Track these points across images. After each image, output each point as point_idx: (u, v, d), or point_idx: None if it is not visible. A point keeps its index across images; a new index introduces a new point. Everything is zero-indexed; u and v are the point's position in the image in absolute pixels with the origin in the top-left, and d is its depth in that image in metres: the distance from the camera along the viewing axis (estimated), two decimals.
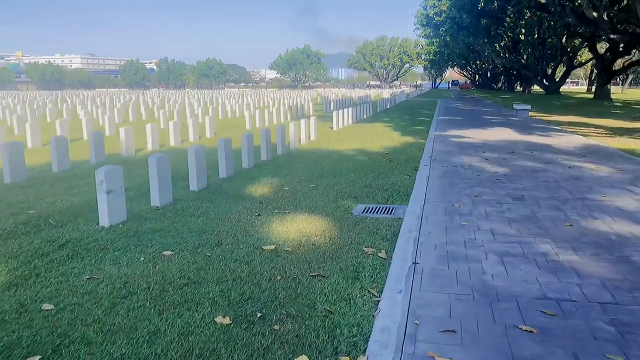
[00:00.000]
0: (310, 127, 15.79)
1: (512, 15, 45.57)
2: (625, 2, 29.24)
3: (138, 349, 3.16)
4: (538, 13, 38.77)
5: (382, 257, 4.83)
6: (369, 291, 4.04)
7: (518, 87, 76.67)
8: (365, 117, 25.72)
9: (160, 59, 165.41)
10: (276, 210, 6.64)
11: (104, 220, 5.90)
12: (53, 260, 4.75)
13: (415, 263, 4.63)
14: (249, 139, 10.41)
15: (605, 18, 27.35)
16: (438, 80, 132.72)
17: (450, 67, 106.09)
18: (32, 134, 14.44)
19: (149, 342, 3.25)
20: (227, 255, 4.90)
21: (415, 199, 7.26)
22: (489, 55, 59.71)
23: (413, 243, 5.22)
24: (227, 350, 3.15)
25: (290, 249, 5.06)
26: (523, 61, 54.39)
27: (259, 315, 3.62)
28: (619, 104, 36.18)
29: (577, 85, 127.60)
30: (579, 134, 15.95)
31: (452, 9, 43.96)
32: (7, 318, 3.57)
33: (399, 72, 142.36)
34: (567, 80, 68.12)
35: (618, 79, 78.71)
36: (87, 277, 4.33)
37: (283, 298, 3.91)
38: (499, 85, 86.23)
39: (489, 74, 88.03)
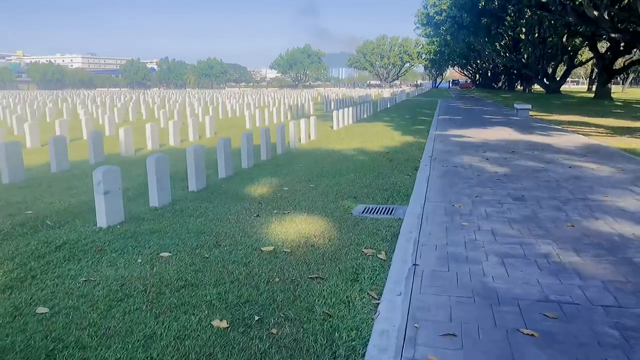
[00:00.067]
0: (311, 126, 15.74)
1: (512, 14, 45.45)
2: (625, 1, 29.16)
3: (133, 354, 3.11)
4: (538, 12, 38.68)
5: (381, 259, 4.77)
6: (368, 293, 3.99)
7: (518, 87, 76.58)
8: (365, 116, 25.66)
9: (161, 58, 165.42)
10: (275, 211, 6.59)
11: (102, 221, 5.85)
12: (49, 262, 4.70)
13: (415, 265, 4.58)
14: (248, 139, 10.36)
15: (606, 17, 27.26)
16: (438, 80, 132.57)
17: (451, 66, 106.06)
18: (31, 134, 14.40)
19: (144, 346, 3.20)
20: (225, 256, 4.85)
21: (416, 199, 7.20)
22: (490, 54, 59.61)
23: (413, 244, 5.16)
24: (224, 355, 3.10)
25: (289, 250, 5.01)
26: (523, 60, 54.30)
27: (256, 318, 3.57)
28: (619, 103, 36.10)
29: (577, 85, 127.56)
30: (579, 134, 15.89)
31: (453, 8, 43.91)
32: (1, 322, 3.52)
33: (399, 71, 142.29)
34: (568, 79, 68.05)
35: (619, 78, 78.60)
36: (83, 279, 4.28)
37: (281, 301, 3.86)
38: (500, 84, 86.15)
39: (489, 73, 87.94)
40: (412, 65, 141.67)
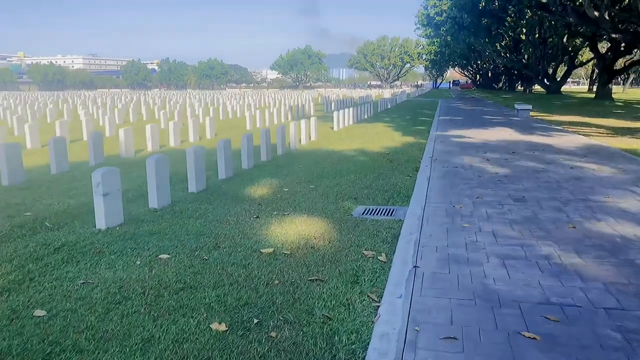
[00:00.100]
0: (311, 127, 15.71)
1: (513, 15, 45.43)
2: (626, 1, 29.12)
3: (131, 358, 3.08)
4: (539, 12, 38.64)
5: (382, 261, 4.74)
6: (368, 296, 3.96)
7: (519, 87, 76.53)
8: (366, 117, 25.63)
9: (162, 59, 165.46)
10: (275, 212, 6.57)
11: (101, 223, 5.82)
12: (48, 264, 4.67)
13: (415, 267, 4.55)
14: (248, 140, 10.33)
15: (607, 17, 27.22)
16: (439, 80, 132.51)
17: (451, 67, 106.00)
18: (31, 135, 14.39)
19: (142, 349, 3.17)
20: (225, 258, 4.82)
21: (416, 200, 7.17)
22: (490, 55, 59.56)
23: (414, 245, 5.13)
24: (223, 359, 3.07)
25: (288, 252, 4.98)
26: (524, 61, 54.25)
27: (255, 321, 3.54)
28: (620, 103, 36.06)
29: (578, 85, 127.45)
30: (580, 134, 15.85)
31: (453, 8, 43.80)
32: None
33: (399, 72, 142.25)
34: (568, 79, 68.00)
35: (619, 79, 78.54)
36: (81, 281, 4.25)
37: (280, 303, 3.83)
38: (500, 85, 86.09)
39: (490, 74, 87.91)
40: (412, 66, 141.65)
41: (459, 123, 21.00)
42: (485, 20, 43.11)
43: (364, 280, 4.28)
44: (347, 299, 3.90)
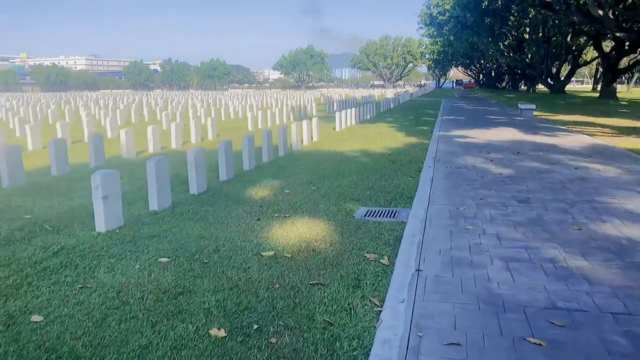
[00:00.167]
0: (313, 127, 15.65)
1: (516, 14, 45.24)
2: (630, 0, 28.96)
3: None
4: (542, 11, 38.46)
5: (384, 264, 4.68)
6: (370, 300, 3.90)
7: (522, 86, 76.32)
8: (368, 117, 25.56)
9: (164, 60, 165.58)
10: (276, 214, 6.50)
11: (100, 226, 5.77)
12: (46, 268, 4.62)
13: (418, 270, 4.48)
14: (250, 141, 10.27)
15: (611, 16, 27.09)
16: (442, 80, 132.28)
17: (454, 66, 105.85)
18: (32, 136, 14.36)
19: (140, 356, 3.12)
20: (225, 262, 4.76)
21: (419, 201, 7.10)
22: (493, 54, 59.39)
23: (416, 248, 5.06)
24: None
25: (289, 255, 4.92)
26: (527, 60, 54.06)
27: (255, 327, 3.47)
28: (625, 102, 35.88)
29: (582, 84, 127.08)
30: (585, 134, 15.74)
31: (456, 8, 43.70)
32: None
33: (402, 71, 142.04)
34: (572, 79, 67.67)
35: (623, 78, 78.19)
36: (79, 286, 4.20)
37: (281, 308, 3.76)
38: (503, 84, 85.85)
39: (493, 73, 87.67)
40: (415, 66, 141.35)
41: (462, 123, 20.91)
42: (489, 19, 42.98)
43: (366, 284, 4.22)
44: (348, 304, 3.84)
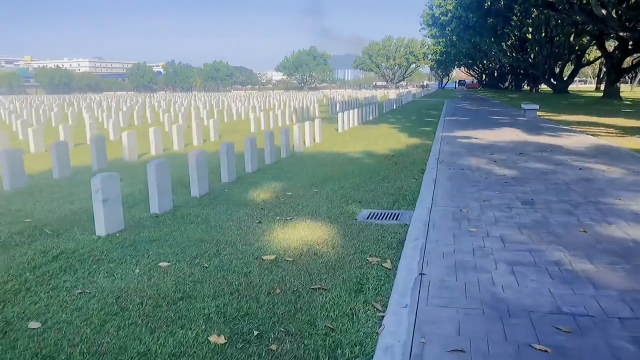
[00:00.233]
0: (315, 129, 15.60)
1: (519, 14, 45.06)
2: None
3: None
4: (545, 11, 38.33)
5: (387, 268, 4.62)
6: (372, 305, 3.84)
7: (525, 86, 76.07)
8: (371, 118, 25.49)
9: (167, 61, 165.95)
10: (278, 217, 6.45)
11: (100, 230, 5.73)
12: (45, 273, 4.58)
13: (421, 274, 4.41)
14: (252, 143, 10.22)
15: (614, 15, 26.96)
16: (445, 80, 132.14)
17: (457, 66, 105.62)
18: (34, 139, 14.35)
19: None
20: (226, 266, 4.71)
21: (422, 203, 7.03)
22: (496, 54, 59.24)
23: (420, 252, 5.00)
24: None
25: (291, 259, 4.86)
26: (530, 60, 53.89)
27: (255, 333, 3.42)
28: (628, 102, 35.70)
29: (585, 84, 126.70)
30: (588, 134, 15.64)
31: (458, 8, 43.59)
32: None
33: (405, 72, 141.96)
34: (575, 78, 67.46)
35: (627, 77, 77.83)
36: (78, 291, 4.15)
37: (282, 314, 3.71)
38: (506, 84, 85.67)
39: (496, 74, 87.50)
40: (418, 66, 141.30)
41: (465, 123, 20.82)
42: (491, 19, 42.84)
43: (368, 288, 4.16)
44: (350, 309, 3.77)
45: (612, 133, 15.81)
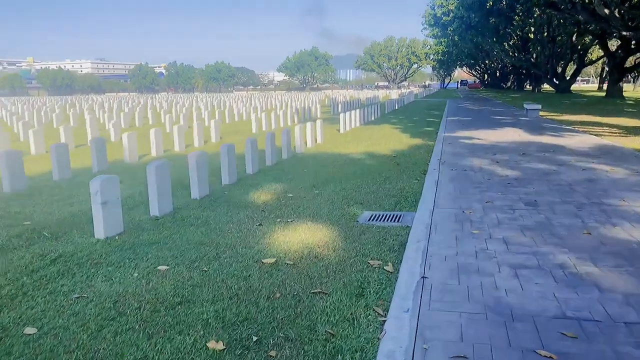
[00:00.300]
0: (317, 130, 15.54)
1: (521, 14, 44.96)
2: None
3: None
4: (548, 11, 38.20)
5: (388, 271, 4.55)
6: (374, 310, 3.77)
7: (528, 86, 75.93)
8: (373, 118, 25.42)
9: (169, 62, 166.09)
10: (278, 219, 6.39)
11: (99, 233, 5.68)
12: (43, 277, 4.52)
13: (423, 277, 4.35)
14: (252, 144, 10.16)
15: (617, 15, 26.84)
16: (447, 80, 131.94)
17: (459, 66, 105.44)
18: (35, 141, 14.32)
19: None
20: (225, 269, 4.65)
21: (424, 205, 6.97)
22: (498, 54, 59.09)
23: (422, 254, 4.93)
24: None
25: (291, 262, 4.80)
26: (532, 60, 53.72)
27: (254, 339, 3.36)
28: (631, 102, 35.54)
29: (587, 84, 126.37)
30: (591, 134, 15.55)
31: (460, 8, 43.51)
32: None
33: (407, 72, 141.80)
34: (578, 78, 67.30)
35: (630, 77, 77.57)
36: (76, 296, 4.10)
37: (281, 319, 3.65)
38: (509, 84, 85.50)
39: (498, 73, 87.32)
40: (420, 66, 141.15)
41: (467, 124, 20.74)
42: (493, 19, 42.75)
43: (370, 292, 4.09)
44: (351, 314, 3.71)
45: (615, 133, 15.71)
